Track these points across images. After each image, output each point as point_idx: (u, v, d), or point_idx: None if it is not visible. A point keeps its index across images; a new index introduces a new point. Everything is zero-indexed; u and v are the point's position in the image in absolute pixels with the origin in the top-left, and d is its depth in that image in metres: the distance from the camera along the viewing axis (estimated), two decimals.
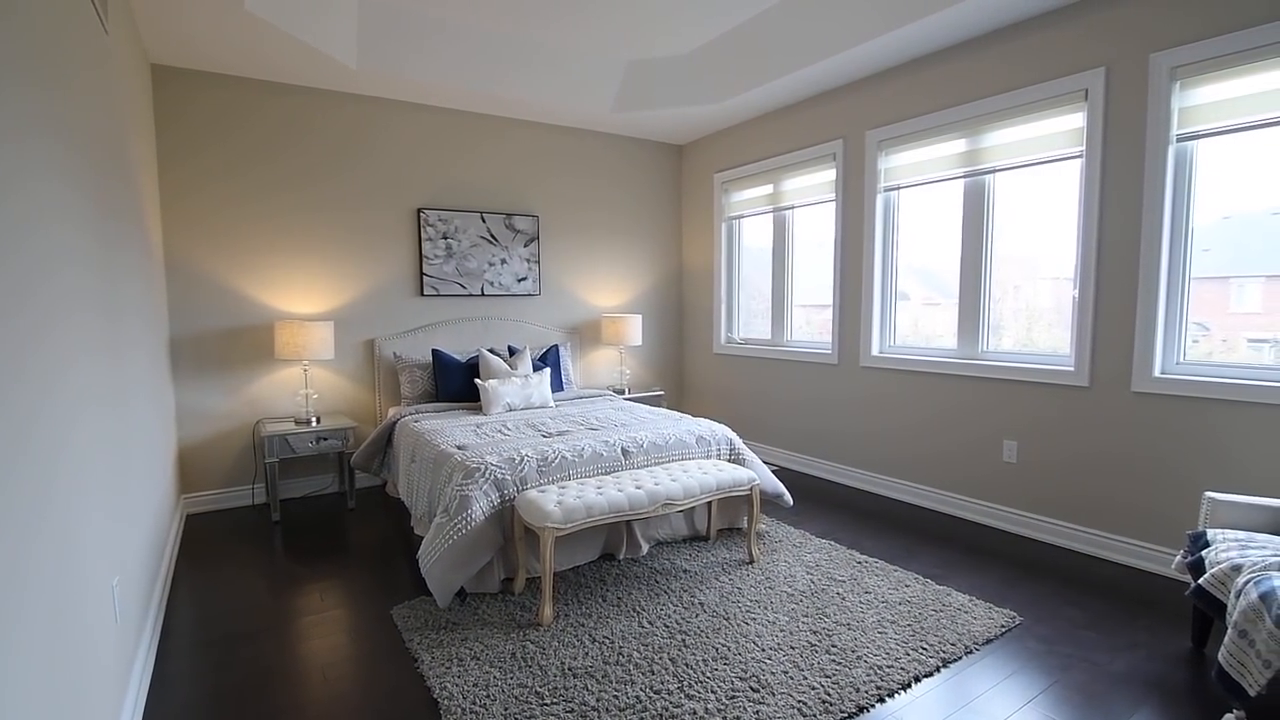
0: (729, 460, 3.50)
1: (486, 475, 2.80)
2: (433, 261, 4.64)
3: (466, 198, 4.77)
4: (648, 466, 3.20)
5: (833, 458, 4.57)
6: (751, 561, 3.11)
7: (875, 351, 4.27)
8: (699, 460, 3.28)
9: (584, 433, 3.40)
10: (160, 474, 3.15)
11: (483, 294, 4.85)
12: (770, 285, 5.08)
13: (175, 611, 2.74)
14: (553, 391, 4.66)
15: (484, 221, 4.82)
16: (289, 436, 3.84)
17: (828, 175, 4.51)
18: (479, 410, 4.13)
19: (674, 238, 5.85)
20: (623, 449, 3.18)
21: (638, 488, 2.80)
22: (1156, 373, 3.03)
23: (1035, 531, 3.44)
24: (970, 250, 3.75)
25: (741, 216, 5.28)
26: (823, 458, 4.64)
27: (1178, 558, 2.37)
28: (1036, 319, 3.65)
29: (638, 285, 5.65)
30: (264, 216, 4.09)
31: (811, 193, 4.65)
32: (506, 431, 3.46)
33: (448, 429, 3.52)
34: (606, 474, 3.09)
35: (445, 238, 4.68)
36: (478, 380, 4.12)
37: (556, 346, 4.84)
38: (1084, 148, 3.22)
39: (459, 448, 3.15)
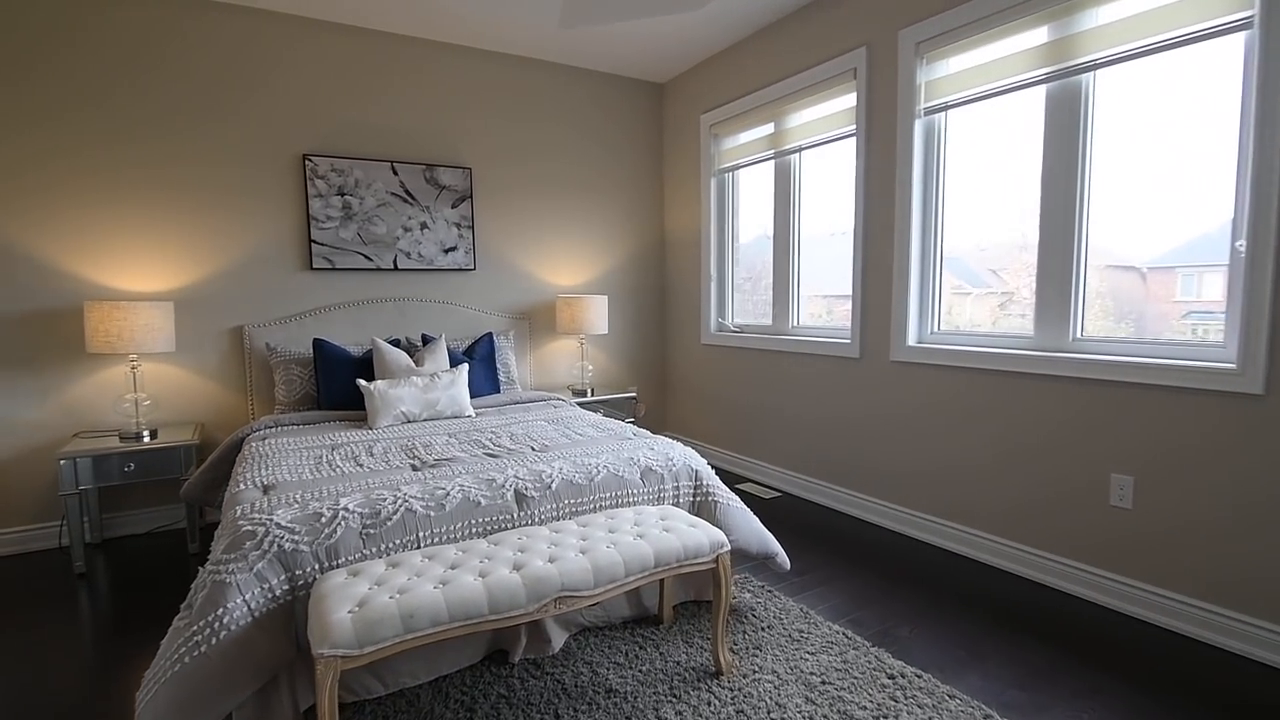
0: (693, 501, 2.35)
1: (264, 545, 1.69)
2: (325, 225, 3.55)
3: (372, 142, 3.67)
4: (558, 519, 2.07)
5: (853, 485, 3.38)
6: (720, 673, 1.96)
7: (912, 340, 3.07)
8: (643, 506, 2.14)
9: (476, 462, 2.28)
10: None
11: (396, 268, 3.75)
12: (771, 254, 3.89)
13: None
14: (483, 394, 3.55)
15: (396, 174, 3.71)
16: (96, 459, 2.80)
17: (845, 101, 3.31)
18: (364, 422, 3.03)
19: (654, 199, 4.68)
20: (516, 492, 2.04)
21: (515, 570, 1.66)
22: None
23: (1170, 618, 2.23)
24: (1056, 188, 2.53)
25: (736, 167, 4.10)
26: (840, 484, 3.46)
27: None
28: (1159, 290, 2.42)
29: (607, 259, 4.50)
30: (79, 159, 3.03)
31: (824, 127, 3.45)
32: (366, 459, 2.35)
33: (282, 453, 2.43)
34: (485, 534, 1.96)
35: (342, 194, 3.58)
36: (360, 381, 3.02)
37: (490, 335, 3.72)
38: (1255, 11, 1.99)
39: (263, 489, 2.05)
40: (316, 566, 1.73)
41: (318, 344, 3.27)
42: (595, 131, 4.37)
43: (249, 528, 1.72)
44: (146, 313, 2.92)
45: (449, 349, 3.53)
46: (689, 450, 2.45)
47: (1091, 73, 2.42)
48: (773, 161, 3.82)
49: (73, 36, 2.98)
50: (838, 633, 2.18)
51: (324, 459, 2.35)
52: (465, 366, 3.27)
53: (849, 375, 3.37)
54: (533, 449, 2.47)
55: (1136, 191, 2.38)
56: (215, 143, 3.28)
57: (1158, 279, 2.38)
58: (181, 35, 3.18)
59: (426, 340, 3.51)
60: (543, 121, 4.17)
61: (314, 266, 3.53)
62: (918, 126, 2.97)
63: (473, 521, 1.93)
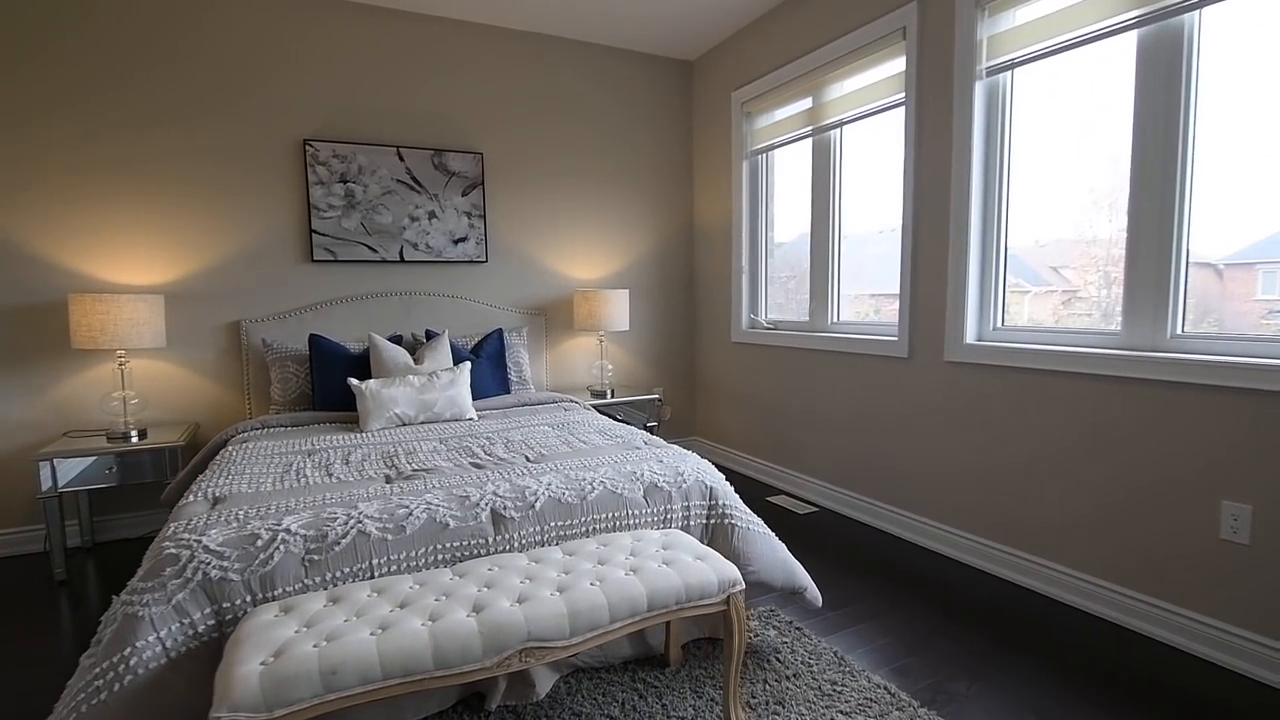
0: (706, 524, 2.01)
1: (187, 572, 1.44)
2: (326, 215, 3.34)
3: (376, 126, 3.45)
4: (542, 544, 1.77)
5: (900, 501, 2.98)
6: None
7: (970, 338, 2.66)
8: (644, 531, 1.81)
9: (458, 474, 2.00)
10: None
11: (402, 260, 3.52)
12: (809, 244, 3.51)
13: None
14: (489, 394, 3.29)
15: (402, 160, 3.48)
16: (76, 460, 2.64)
17: (893, 66, 2.92)
18: (357, 424, 2.80)
19: (682, 186, 4.35)
20: (493, 512, 1.75)
21: (473, 612, 1.37)
22: None
23: None
24: (1151, 154, 2.09)
25: (771, 147, 3.73)
26: (885, 501, 3.06)
27: None
28: (1236, 288, 1.98)
29: (631, 250, 4.19)
30: (68, 144, 2.89)
31: (869, 97, 3.05)
32: (339, 468, 2.10)
33: (254, 459, 2.20)
34: (455, 561, 1.67)
35: (345, 181, 3.37)
36: (351, 380, 2.79)
37: (500, 332, 3.46)
38: None
39: (213, 502, 1.81)
40: (248, 599, 1.47)
41: (313, 340, 3.06)
42: (618, 114, 4.06)
43: (172, 550, 1.47)
44: (131, 306, 2.75)
45: (455, 346, 3.28)
46: (703, 464, 2.12)
47: (1196, 10, 1.98)
48: (811, 139, 3.44)
49: (57, 14, 2.83)
50: (879, 687, 1.81)
51: (294, 467, 2.11)
52: (467, 365, 3.01)
53: (896, 377, 2.97)
54: (527, 459, 2.18)
55: (1227, 170, 1.94)
56: (210, 128, 3.11)
57: (1235, 276, 2.01)
58: (174, 13, 3.01)
59: (431, 336, 3.28)
60: (561, 104, 3.89)
61: (315, 258, 3.33)
62: (978, 89, 2.56)
63: (439, 546, 1.65)
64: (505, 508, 1.75)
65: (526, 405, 3.19)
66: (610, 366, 3.98)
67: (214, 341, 3.21)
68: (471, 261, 3.69)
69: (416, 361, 3.06)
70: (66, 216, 2.90)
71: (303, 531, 1.55)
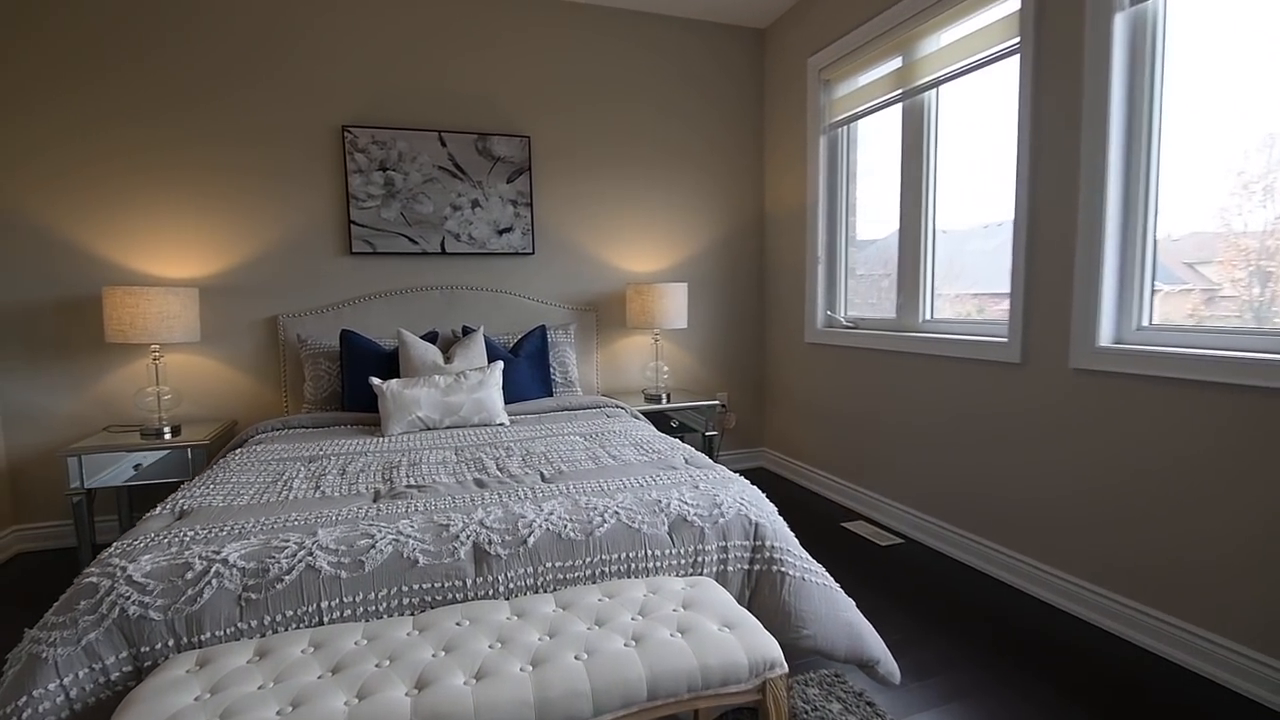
0: (748, 570, 1.61)
1: (103, 607, 1.20)
2: (365, 205, 3.18)
3: (417, 110, 3.25)
4: (535, 589, 1.43)
5: (1008, 540, 2.44)
6: None
7: (1104, 340, 2.09)
8: (663, 579, 1.44)
9: (452, 495, 1.70)
10: None
11: (444, 251, 3.31)
12: (897, 230, 3.00)
13: None
14: (529, 397, 3.01)
15: (444, 145, 3.27)
16: (103, 456, 2.57)
17: (1004, 6, 2.38)
18: (379, 427, 2.59)
19: (752, 170, 3.91)
20: (476, 547, 1.43)
21: (414, 690, 1.05)
22: None
23: None
24: None
25: (853, 117, 3.23)
26: (988, 538, 2.53)
27: None
28: None
29: (694, 240, 3.80)
30: (110, 137, 2.85)
31: (973, 47, 2.53)
32: (332, 481, 1.85)
33: (252, 464, 2.01)
34: (422, 609, 1.36)
35: (384, 169, 3.19)
36: (373, 380, 2.57)
37: (542, 329, 3.17)
38: None
39: (178, 516, 1.60)
40: (171, 643, 1.22)
41: (345, 336, 2.89)
42: (681, 91, 3.69)
43: (93, 580, 1.25)
44: (161, 300, 2.66)
45: (493, 344, 3.03)
46: (749, 492, 1.71)
47: None
48: (901, 104, 2.93)
49: (94, 4, 2.79)
50: None
51: (284, 477, 1.88)
52: (499, 365, 2.74)
53: (1006, 386, 2.43)
54: (542, 476, 1.86)
55: None
56: (247, 116, 3.00)
57: None
58: (282, 12, 2.92)
59: (468, 333, 3.04)
60: (617, 81, 3.56)
61: (354, 250, 3.17)
62: (1118, 23, 2.00)
63: (405, 589, 1.34)
64: (490, 542, 1.42)
65: (565, 410, 2.88)
66: (666, 368, 3.61)
67: (252, 336, 3.11)
68: (517, 253, 3.42)
69: (448, 360, 2.82)
70: (112, 213, 2.87)
71: (242, 563, 1.29)
